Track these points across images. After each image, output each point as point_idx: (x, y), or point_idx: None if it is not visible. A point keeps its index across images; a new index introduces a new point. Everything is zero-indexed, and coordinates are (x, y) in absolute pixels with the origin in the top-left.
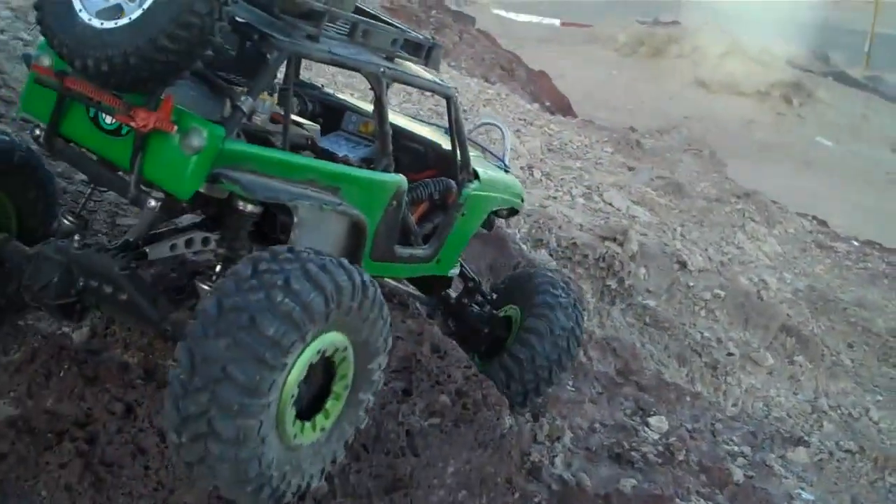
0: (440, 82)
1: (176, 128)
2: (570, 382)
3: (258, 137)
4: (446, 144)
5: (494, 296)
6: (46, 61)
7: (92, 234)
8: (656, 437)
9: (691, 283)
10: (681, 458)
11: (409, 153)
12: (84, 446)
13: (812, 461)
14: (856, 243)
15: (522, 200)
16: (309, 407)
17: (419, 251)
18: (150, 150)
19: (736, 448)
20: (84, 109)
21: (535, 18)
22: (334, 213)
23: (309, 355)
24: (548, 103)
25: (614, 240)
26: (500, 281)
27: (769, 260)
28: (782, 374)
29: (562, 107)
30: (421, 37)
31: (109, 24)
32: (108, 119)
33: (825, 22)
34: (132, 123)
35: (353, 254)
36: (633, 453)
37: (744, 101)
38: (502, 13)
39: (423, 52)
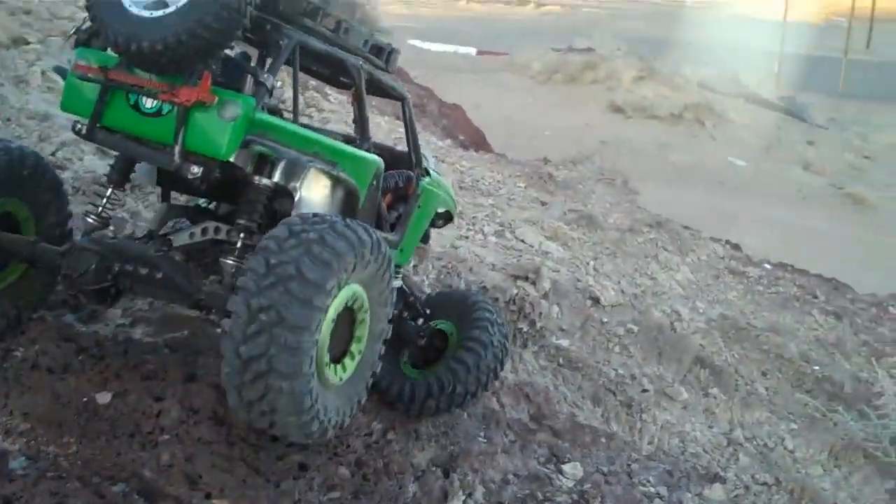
0: (396, 84)
1: (216, 99)
2: (482, 433)
3: (271, 111)
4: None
5: (428, 311)
6: (88, 61)
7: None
8: (571, 484)
9: (605, 319)
10: None
11: None
12: None
13: (728, 497)
14: (768, 266)
15: (456, 206)
16: (336, 352)
17: (390, 236)
18: (192, 122)
19: (652, 489)
20: (124, 99)
21: (450, 48)
22: (333, 183)
23: (339, 303)
24: (462, 137)
25: (526, 279)
26: (430, 297)
27: (682, 289)
28: (697, 407)
29: (476, 140)
30: (383, 42)
31: (159, 13)
32: (149, 103)
33: (735, 43)
34: (177, 100)
35: None
36: None
37: (658, 125)
38: (418, 43)
39: (384, 55)
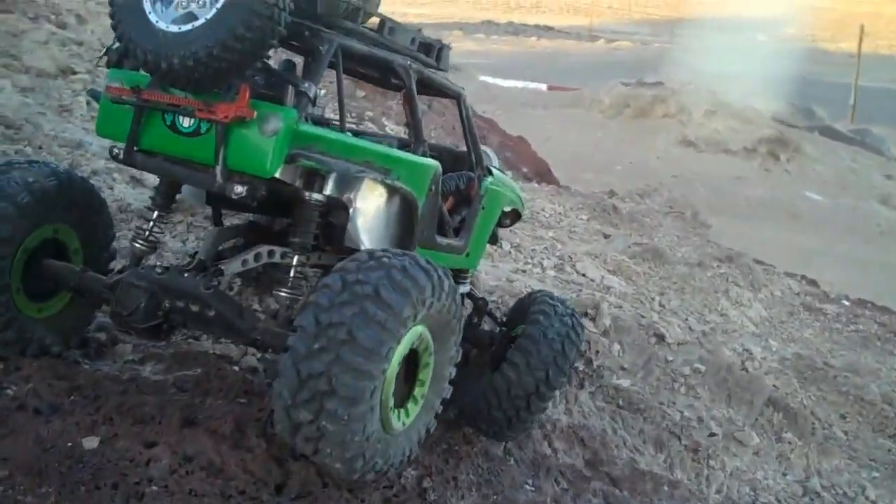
0: (450, 82)
1: (255, 113)
2: (530, 481)
3: (316, 122)
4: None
5: (505, 319)
6: (121, 82)
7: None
8: None
9: (670, 358)
10: None
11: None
12: None
13: None
14: (846, 303)
15: (524, 205)
16: (399, 396)
17: (454, 241)
18: (232, 139)
19: None
20: (160, 119)
21: (520, 84)
22: (389, 192)
23: (402, 352)
24: (525, 169)
25: (585, 314)
26: (512, 307)
27: (755, 326)
28: (770, 453)
29: (540, 172)
30: (432, 38)
31: (187, 27)
32: (186, 122)
33: (809, 76)
34: (214, 117)
35: (406, 235)
36: None
37: (731, 159)
38: (489, 79)
39: (434, 52)
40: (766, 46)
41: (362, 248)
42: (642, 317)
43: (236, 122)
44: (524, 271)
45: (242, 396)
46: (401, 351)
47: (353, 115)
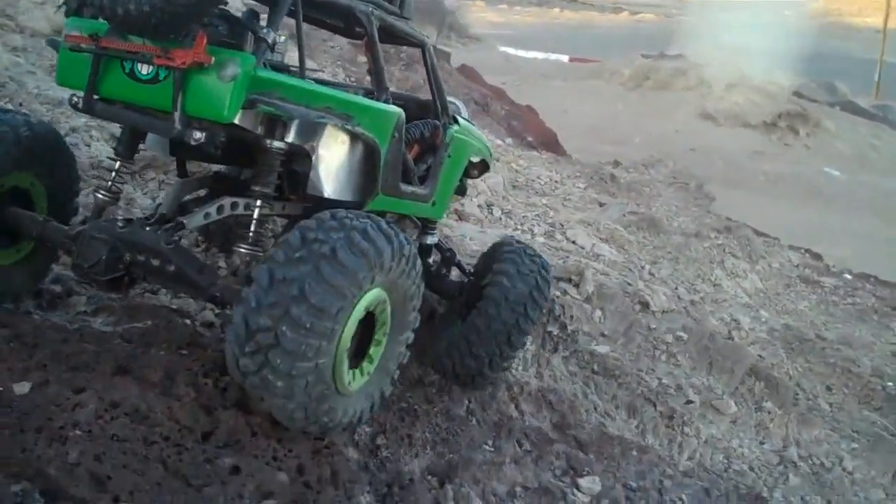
0: (415, 30)
1: (213, 59)
2: (490, 442)
3: (275, 68)
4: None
5: (473, 270)
6: (79, 30)
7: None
8: (586, 500)
9: (653, 325)
10: None
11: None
12: None
13: None
14: (848, 277)
15: (491, 155)
16: (355, 355)
17: (419, 190)
18: (190, 86)
19: None
20: (119, 67)
21: (541, 55)
22: (351, 138)
23: (357, 314)
24: (530, 138)
25: (569, 280)
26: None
27: (748, 297)
28: (748, 422)
29: (547, 142)
30: None
31: None
32: (145, 69)
33: (832, 52)
34: (172, 63)
35: (369, 183)
36: None
37: (750, 133)
38: (509, 50)
39: (398, 0)
40: (792, 21)
41: (325, 195)
42: (629, 284)
43: (194, 67)
44: (512, 237)
45: (186, 349)
46: (356, 313)
47: (353, 79)
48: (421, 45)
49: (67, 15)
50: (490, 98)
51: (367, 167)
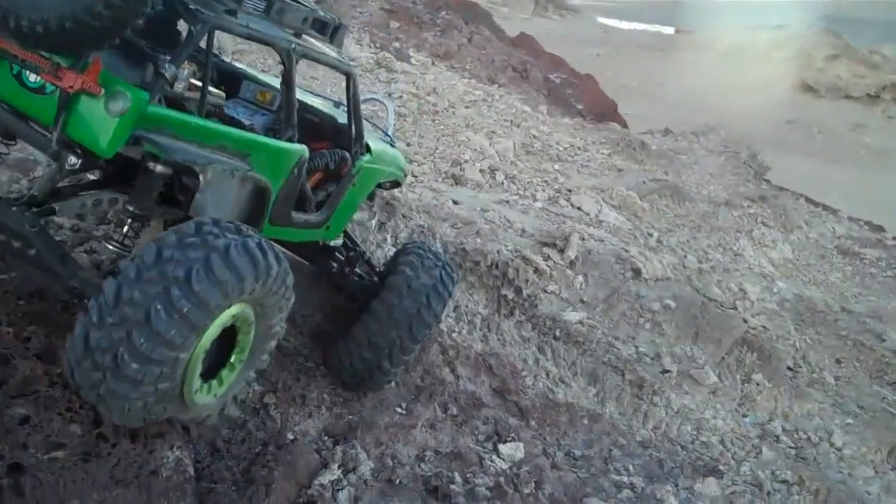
0: (342, 60)
1: (102, 91)
2: (404, 405)
3: (175, 102)
4: (340, 118)
5: (382, 268)
6: None
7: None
8: (504, 466)
9: (643, 293)
10: (527, 491)
11: (305, 124)
12: None
13: (723, 494)
14: None
15: (405, 174)
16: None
17: (312, 217)
18: (75, 109)
19: (625, 479)
20: (7, 67)
21: (642, 26)
22: (241, 178)
23: (211, 335)
24: (580, 106)
25: (554, 246)
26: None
27: (773, 267)
28: (730, 393)
29: (602, 111)
30: (328, 16)
31: None
32: (33, 77)
33: None
34: (59, 83)
35: (255, 218)
36: (453, 486)
37: (852, 105)
38: (607, 21)
39: (329, 30)
40: None
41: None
42: (625, 251)
43: (82, 92)
44: (508, 202)
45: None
46: (209, 334)
47: (378, 45)
48: (346, 75)
49: None
50: (528, 64)
51: (256, 203)
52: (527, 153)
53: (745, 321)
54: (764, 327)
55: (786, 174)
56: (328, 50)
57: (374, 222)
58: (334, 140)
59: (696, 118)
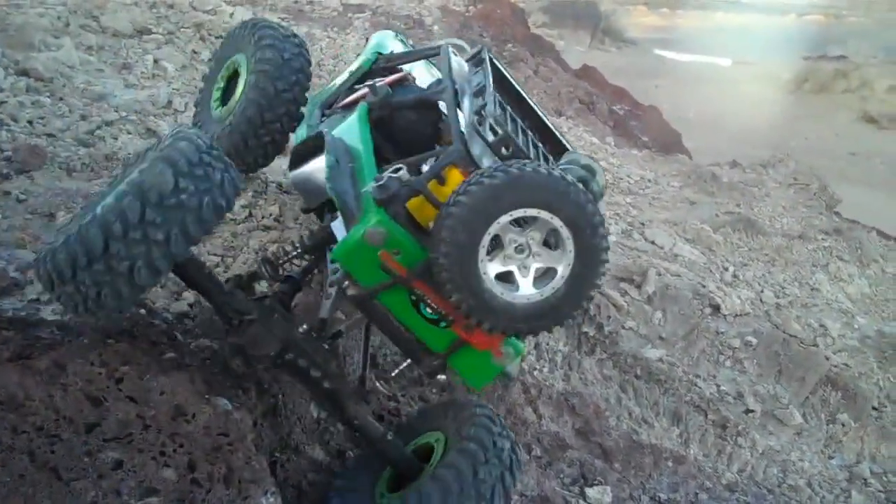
0: None
1: (502, 354)
2: None
3: None
4: None
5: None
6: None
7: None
8: None
9: (722, 329)
10: None
11: None
12: None
13: None
14: None
15: None
16: None
17: None
18: (467, 353)
19: None
20: (407, 295)
21: (699, 58)
22: None
23: None
24: (645, 138)
25: (631, 281)
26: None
27: (851, 303)
28: (815, 434)
29: (666, 143)
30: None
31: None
32: (430, 309)
33: None
34: (469, 338)
35: None
36: None
37: None
38: (665, 53)
39: None
40: None
41: None
42: (702, 286)
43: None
44: None
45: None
46: None
47: None
48: None
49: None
50: (600, 98)
51: None
52: None
53: (828, 358)
54: (846, 365)
55: (852, 207)
56: None
57: None
58: None
59: (757, 151)
